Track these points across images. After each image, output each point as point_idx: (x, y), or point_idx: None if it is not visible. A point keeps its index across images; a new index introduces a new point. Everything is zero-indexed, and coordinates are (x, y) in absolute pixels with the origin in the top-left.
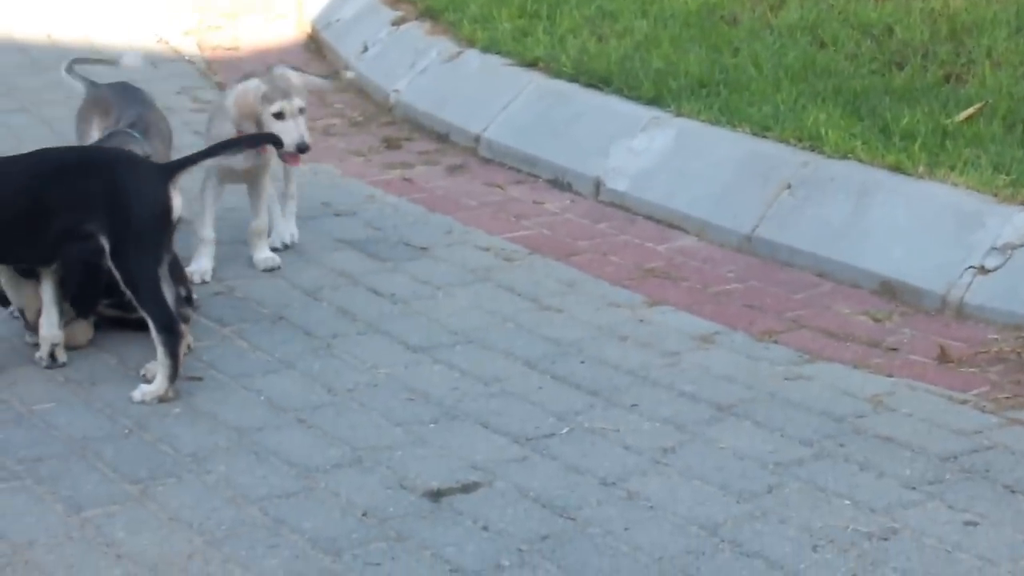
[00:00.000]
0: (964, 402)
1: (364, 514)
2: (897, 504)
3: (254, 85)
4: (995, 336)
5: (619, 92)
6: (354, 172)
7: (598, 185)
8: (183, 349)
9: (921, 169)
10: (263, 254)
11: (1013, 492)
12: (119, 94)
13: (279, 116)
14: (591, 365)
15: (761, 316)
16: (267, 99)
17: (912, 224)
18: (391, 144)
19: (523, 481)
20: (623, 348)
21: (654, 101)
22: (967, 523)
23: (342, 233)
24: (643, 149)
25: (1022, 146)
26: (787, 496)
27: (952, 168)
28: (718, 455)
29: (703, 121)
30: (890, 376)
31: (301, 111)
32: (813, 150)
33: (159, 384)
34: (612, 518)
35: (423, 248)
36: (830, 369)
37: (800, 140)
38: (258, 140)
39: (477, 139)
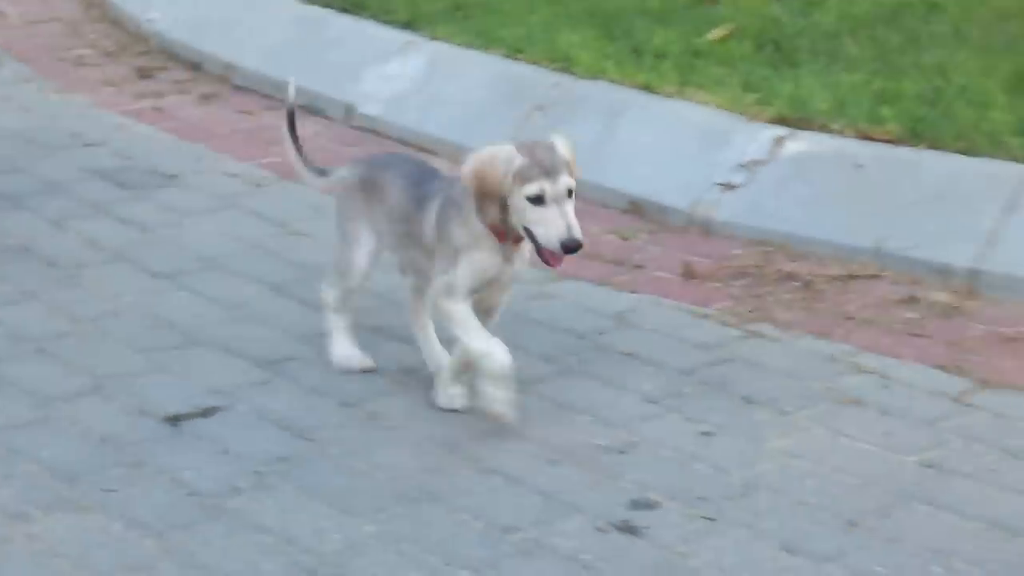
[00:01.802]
0: (706, 316)
1: (102, 441)
2: (637, 417)
3: (507, 153)
4: (739, 251)
5: (374, 17)
6: (105, 102)
7: (351, 110)
8: None
9: (671, 89)
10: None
11: (749, 403)
12: None
13: (537, 201)
14: None
15: None
16: (522, 176)
17: (661, 143)
18: (144, 74)
19: (264, 404)
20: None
21: (409, 25)
22: (703, 433)
23: (91, 163)
24: (396, 74)
25: (770, 65)
26: (529, 413)
27: (702, 87)
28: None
29: (457, 44)
30: (634, 292)
31: (569, 193)
32: (565, 71)
33: None
34: (352, 438)
35: (172, 176)
36: (575, 287)
37: (553, 61)
38: None
39: (230, 67)
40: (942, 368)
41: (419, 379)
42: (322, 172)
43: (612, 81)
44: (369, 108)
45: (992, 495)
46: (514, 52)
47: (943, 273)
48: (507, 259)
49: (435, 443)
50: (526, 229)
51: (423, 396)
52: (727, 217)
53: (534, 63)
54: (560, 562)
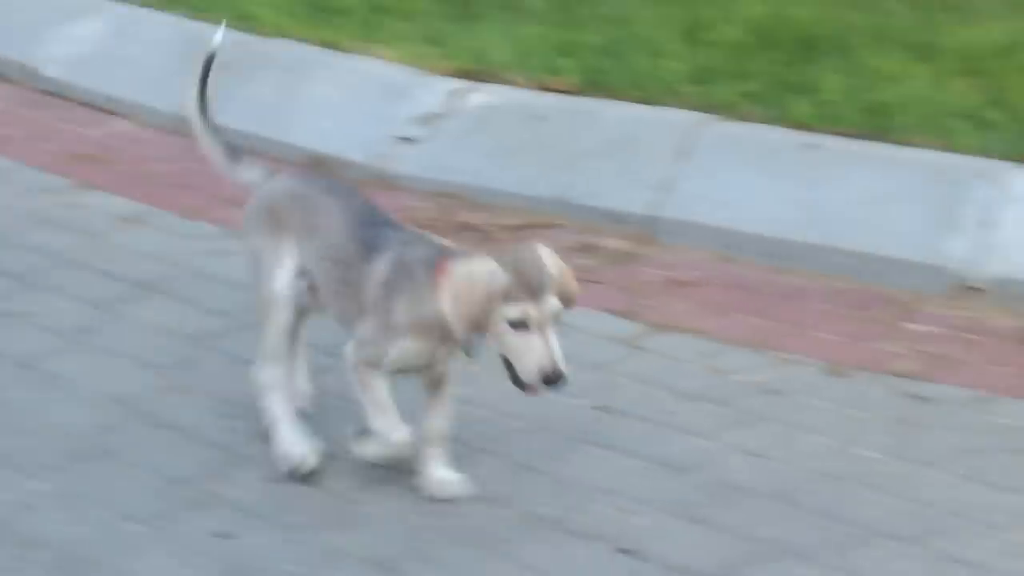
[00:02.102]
0: None
1: None
2: (316, 369)
3: (488, 273)
4: (419, 204)
5: None
6: None
7: (33, 72)
8: None
9: (354, 45)
10: (447, 473)
11: None
12: None
13: (519, 325)
14: (14, 251)
15: (191, 195)
16: (507, 296)
17: (342, 99)
18: None
19: None
20: (48, 232)
21: None
22: None
23: None
24: (80, 35)
25: (453, 19)
26: (204, 367)
27: (384, 43)
28: (136, 332)
29: (140, 5)
30: None
31: (556, 317)
32: (248, 31)
33: None
34: (26, 399)
35: None
36: None
37: (236, 20)
38: None
39: None
40: (616, 313)
41: (96, 337)
42: (235, 155)
43: (295, 39)
44: (52, 70)
45: (662, 435)
46: (197, 12)
47: (620, 220)
48: (448, 350)
49: (110, 400)
50: (502, 355)
51: (99, 354)
52: (408, 170)
53: (217, 23)
54: (234, 512)
